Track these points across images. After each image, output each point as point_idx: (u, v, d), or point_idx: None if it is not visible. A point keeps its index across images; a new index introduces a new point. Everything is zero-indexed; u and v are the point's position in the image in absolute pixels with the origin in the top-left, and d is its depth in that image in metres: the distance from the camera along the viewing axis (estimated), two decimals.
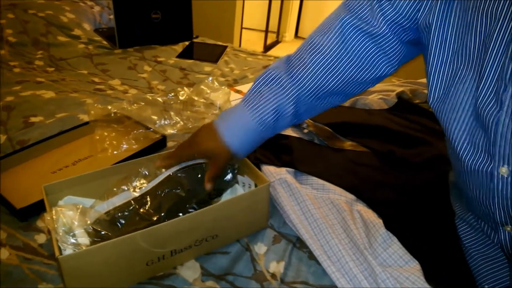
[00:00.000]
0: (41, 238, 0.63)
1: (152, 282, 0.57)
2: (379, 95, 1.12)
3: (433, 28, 0.54)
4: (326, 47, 0.63)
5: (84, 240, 0.53)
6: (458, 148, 0.53)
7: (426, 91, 1.12)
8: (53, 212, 0.53)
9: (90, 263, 0.50)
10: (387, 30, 0.60)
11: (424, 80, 1.18)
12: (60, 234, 0.52)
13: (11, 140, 0.85)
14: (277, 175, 0.74)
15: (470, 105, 0.51)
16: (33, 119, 0.93)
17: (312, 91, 0.64)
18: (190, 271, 0.59)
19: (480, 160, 0.51)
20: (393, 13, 0.58)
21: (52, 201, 0.60)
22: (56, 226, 0.53)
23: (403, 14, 0.58)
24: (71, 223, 0.53)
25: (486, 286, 0.61)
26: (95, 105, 0.89)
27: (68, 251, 0.51)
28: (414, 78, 1.27)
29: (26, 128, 0.90)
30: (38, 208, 0.65)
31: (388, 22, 0.59)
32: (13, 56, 1.30)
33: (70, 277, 0.49)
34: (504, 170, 0.49)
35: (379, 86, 1.20)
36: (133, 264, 0.54)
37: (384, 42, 0.61)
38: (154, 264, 0.56)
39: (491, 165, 0.50)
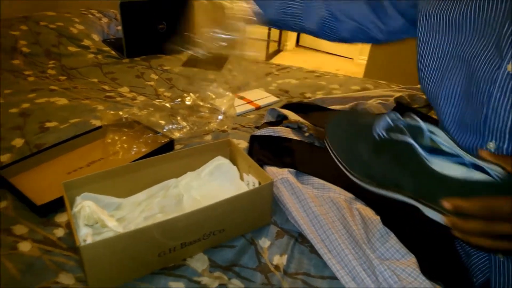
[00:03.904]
0: (59, 232, 0.67)
1: (164, 272, 0.61)
2: (378, 100, 1.16)
3: None
4: None
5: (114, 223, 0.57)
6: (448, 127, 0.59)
7: (424, 96, 1.17)
8: (76, 206, 0.57)
9: (108, 252, 0.54)
10: None
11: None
12: (81, 226, 0.56)
13: (29, 144, 0.91)
14: (279, 175, 0.78)
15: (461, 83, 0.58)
16: (48, 124, 0.99)
17: None
18: (198, 262, 0.63)
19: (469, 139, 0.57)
20: None
21: (70, 198, 0.63)
22: (78, 219, 0.57)
23: None
24: (92, 214, 0.57)
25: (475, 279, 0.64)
26: (107, 111, 0.94)
27: (88, 241, 0.55)
28: (412, 84, 1.31)
29: (42, 133, 0.95)
30: (56, 205, 0.70)
31: None
32: (27, 66, 1.36)
33: (90, 265, 0.54)
34: (491, 145, 0.54)
35: (378, 92, 1.24)
36: (147, 255, 0.58)
37: None
38: (166, 255, 0.60)
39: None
